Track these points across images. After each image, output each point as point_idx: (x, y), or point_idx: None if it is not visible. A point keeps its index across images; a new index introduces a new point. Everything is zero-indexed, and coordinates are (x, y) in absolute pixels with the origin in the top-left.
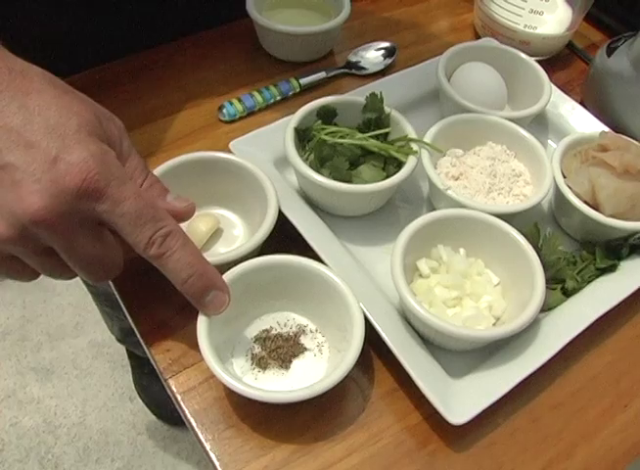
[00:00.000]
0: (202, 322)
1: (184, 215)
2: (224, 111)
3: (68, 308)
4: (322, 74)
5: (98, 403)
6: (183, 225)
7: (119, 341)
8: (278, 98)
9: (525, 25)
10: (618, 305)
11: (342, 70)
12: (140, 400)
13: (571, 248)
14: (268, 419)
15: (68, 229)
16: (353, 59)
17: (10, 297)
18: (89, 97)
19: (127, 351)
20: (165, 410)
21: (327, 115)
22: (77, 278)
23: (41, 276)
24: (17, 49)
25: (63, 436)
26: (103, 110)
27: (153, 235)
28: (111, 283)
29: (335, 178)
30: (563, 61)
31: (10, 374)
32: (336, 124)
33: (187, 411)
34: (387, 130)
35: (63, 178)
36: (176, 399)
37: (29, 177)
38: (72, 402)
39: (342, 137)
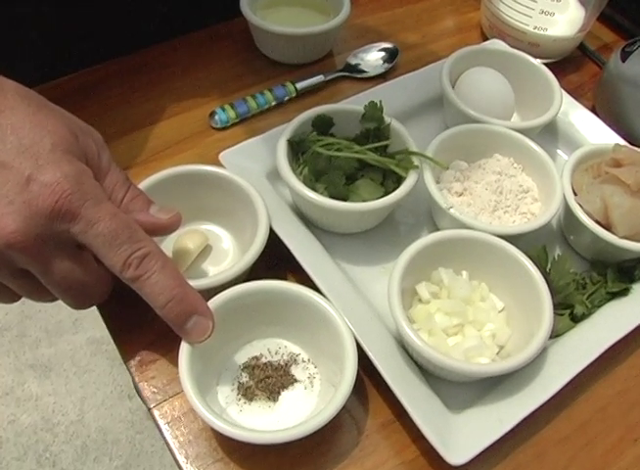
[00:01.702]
0: (184, 350)
1: (169, 228)
2: (216, 117)
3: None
4: (320, 78)
5: (96, 401)
6: (170, 243)
7: None
8: (273, 103)
9: (535, 27)
10: (631, 332)
11: (341, 74)
12: (139, 399)
13: (581, 268)
14: (256, 453)
15: (43, 252)
16: (353, 61)
17: None
18: (76, 101)
19: None
20: None
21: (323, 125)
22: None
23: None
24: (3, 50)
25: (61, 434)
26: (80, 123)
27: (129, 257)
28: (99, 308)
29: (330, 194)
30: (574, 63)
31: (8, 371)
32: (332, 135)
33: (171, 443)
34: (386, 143)
35: (36, 200)
36: (160, 429)
37: (2, 199)
38: (71, 400)
39: (338, 150)
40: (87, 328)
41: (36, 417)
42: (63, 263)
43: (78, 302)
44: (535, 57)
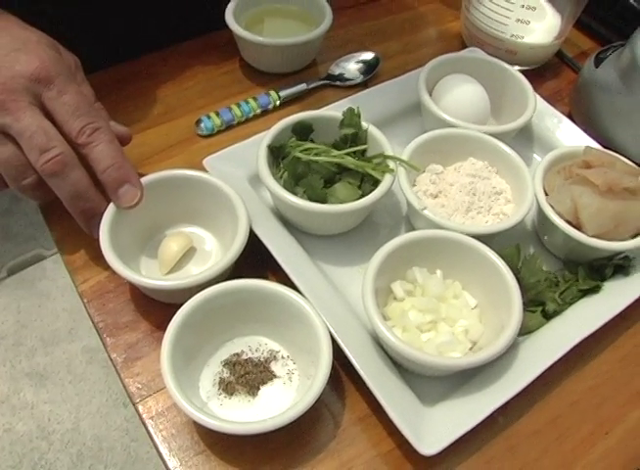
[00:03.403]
0: (166, 347)
1: (121, 139)
2: (202, 125)
3: (62, 314)
4: (303, 86)
5: (92, 409)
6: (157, 244)
7: None
8: (257, 111)
9: (512, 35)
10: (601, 327)
11: (324, 82)
12: (133, 406)
13: (554, 267)
14: (237, 445)
15: (19, 106)
16: (336, 70)
17: (5, 302)
18: None
19: None
20: None
21: (303, 131)
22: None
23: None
24: None
25: (56, 442)
26: (61, 46)
27: (85, 126)
28: (87, 306)
29: (309, 197)
30: (552, 70)
31: (4, 379)
32: (312, 141)
33: (155, 437)
34: (364, 147)
35: (20, 64)
36: (144, 423)
37: None
38: (66, 408)
39: (317, 154)
40: (83, 337)
41: (32, 425)
42: (34, 118)
43: (54, 168)
44: (514, 64)
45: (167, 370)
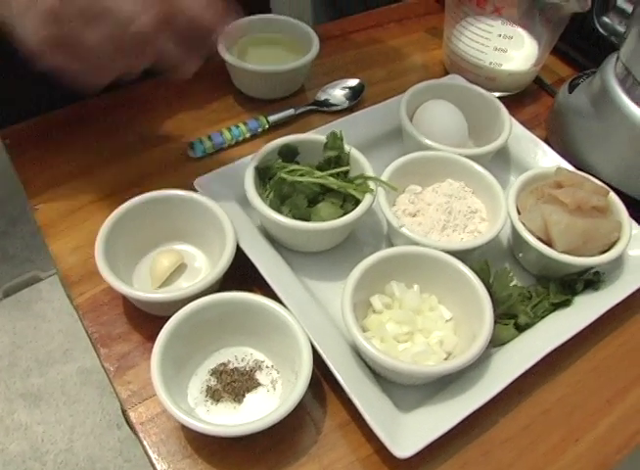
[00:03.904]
0: (155, 356)
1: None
2: (193, 148)
3: (57, 335)
4: (291, 112)
5: (85, 430)
6: (148, 261)
7: None
8: (247, 135)
9: (491, 62)
10: (571, 339)
11: (311, 108)
12: (127, 427)
13: (527, 282)
14: (223, 450)
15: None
16: (322, 96)
17: (0, 323)
18: (66, 132)
19: None
20: None
21: (288, 153)
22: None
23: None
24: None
25: (49, 462)
26: None
27: None
28: (82, 318)
29: (294, 215)
30: (531, 95)
31: None
32: (297, 163)
33: (145, 442)
34: (346, 168)
35: None
36: (135, 429)
37: None
38: (60, 429)
39: (301, 175)
40: (77, 358)
41: (25, 446)
42: None
43: None
44: (493, 90)
45: (157, 378)
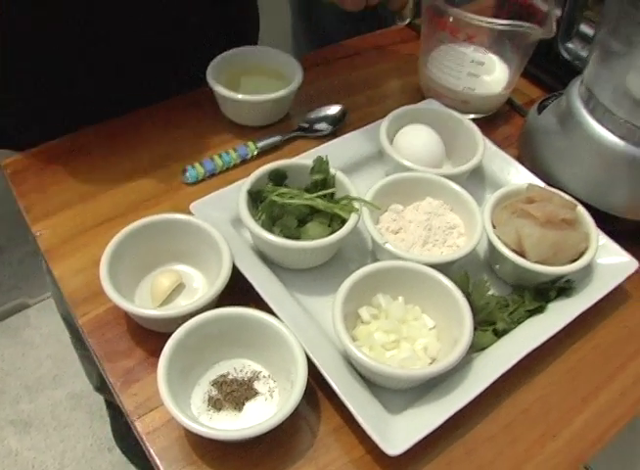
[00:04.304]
0: (161, 370)
1: None
2: (187, 174)
3: (46, 361)
4: (278, 138)
5: (76, 455)
6: (149, 280)
7: (98, 389)
8: (237, 161)
9: (464, 87)
10: (546, 343)
11: (297, 134)
12: (119, 451)
13: (504, 291)
14: (225, 455)
15: None
16: (307, 122)
17: None
18: (65, 161)
19: (105, 400)
20: (144, 460)
21: (278, 177)
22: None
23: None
24: None
25: None
26: None
27: None
28: (87, 337)
29: (285, 235)
30: (504, 117)
31: None
32: (286, 186)
33: (151, 450)
34: (332, 190)
35: None
36: (142, 438)
37: None
38: (51, 455)
39: (291, 198)
40: (67, 383)
41: None
42: None
43: None
44: (468, 112)
45: (164, 389)
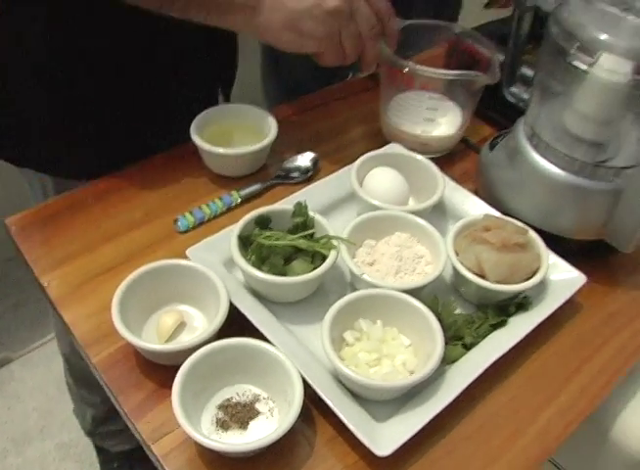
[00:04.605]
0: (176, 397)
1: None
2: (179, 223)
3: (33, 414)
4: (258, 186)
5: None
6: (155, 320)
7: (89, 434)
8: (223, 209)
9: (423, 131)
10: (510, 352)
11: (275, 181)
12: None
13: (469, 310)
14: (232, 468)
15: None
16: (283, 171)
17: None
18: (66, 216)
19: (96, 446)
20: None
21: (263, 222)
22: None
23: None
24: None
25: None
26: None
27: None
28: (100, 375)
29: (273, 273)
30: (461, 154)
31: None
32: (271, 229)
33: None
34: (312, 231)
35: None
36: (158, 460)
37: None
38: None
39: (276, 240)
40: (55, 434)
41: None
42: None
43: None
44: (428, 153)
45: (179, 412)
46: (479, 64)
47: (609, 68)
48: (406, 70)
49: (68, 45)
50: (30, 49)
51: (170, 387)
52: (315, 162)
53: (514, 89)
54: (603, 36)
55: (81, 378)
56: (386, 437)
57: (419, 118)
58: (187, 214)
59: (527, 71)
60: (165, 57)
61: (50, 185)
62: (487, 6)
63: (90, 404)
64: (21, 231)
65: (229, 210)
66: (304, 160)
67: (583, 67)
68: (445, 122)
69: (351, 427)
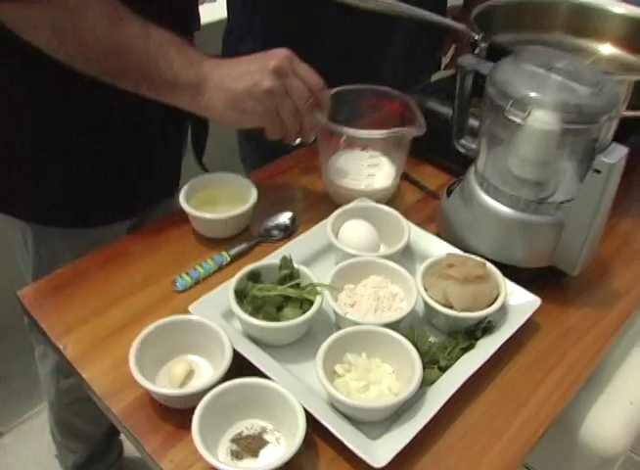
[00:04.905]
0: (195, 432)
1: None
2: (177, 284)
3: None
4: (244, 246)
5: None
6: (167, 370)
7: None
8: (216, 268)
9: (366, 185)
10: (480, 370)
11: (259, 240)
12: None
13: (441, 337)
14: None
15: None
16: (265, 230)
17: None
18: (72, 284)
19: None
20: None
21: (254, 276)
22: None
23: None
24: None
25: None
26: None
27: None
28: (122, 422)
29: (268, 320)
30: (423, 202)
31: None
32: (262, 282)
33: None
34: (298, 281)
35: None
36: None
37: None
38: None
39: (268, 291)
40: None
41: None
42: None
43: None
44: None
45: (200, 446)
46: (407, 120)
47: (540, 120)
48: (344, 137)
49: (31, 99)
50: None
51: (186, 427)
52: (293, 219)
53: (463, 141)
54: (532, 94)
55: (64, 425)
56: (380, 451)
57: (362, 176)
58: (184, 275)
59: (475, 123)
60: (127, 124)
61: (28, 232)
62: (447, 67)
63: (71, 451)
64: (33, 302)
65: (220, 268)
66: (283, 219)
67: (518, 120)
68: (383, 176)
69: (350, 445)
